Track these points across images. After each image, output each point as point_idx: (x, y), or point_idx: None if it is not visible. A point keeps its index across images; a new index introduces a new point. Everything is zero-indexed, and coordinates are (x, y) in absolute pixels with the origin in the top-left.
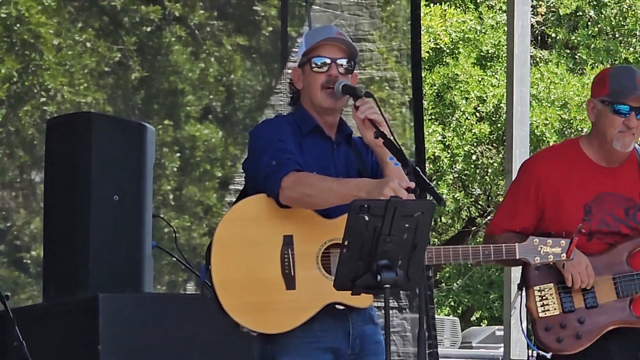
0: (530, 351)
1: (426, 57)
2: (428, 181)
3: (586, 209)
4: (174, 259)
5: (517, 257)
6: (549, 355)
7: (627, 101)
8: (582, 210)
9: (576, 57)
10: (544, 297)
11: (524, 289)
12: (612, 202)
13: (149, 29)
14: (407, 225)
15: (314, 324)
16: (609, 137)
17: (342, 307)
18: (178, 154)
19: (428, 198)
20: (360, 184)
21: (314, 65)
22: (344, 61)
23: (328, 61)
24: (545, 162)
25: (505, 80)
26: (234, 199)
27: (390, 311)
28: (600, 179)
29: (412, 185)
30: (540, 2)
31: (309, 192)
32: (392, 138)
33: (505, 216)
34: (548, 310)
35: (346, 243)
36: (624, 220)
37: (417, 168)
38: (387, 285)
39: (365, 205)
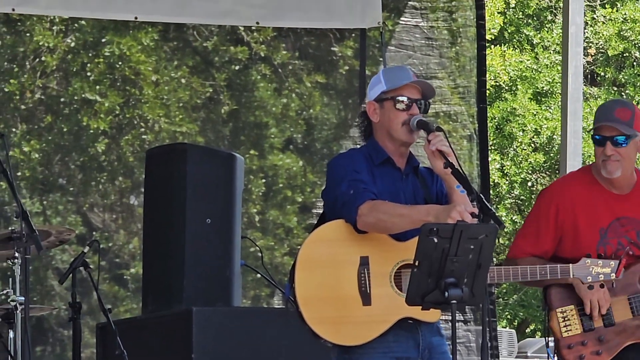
0: None
1: (487, 93)
2: (490, 207)
3: (601, 234)
4: (260, 275)
5: (572, 276)
6: None
7: (600, 132)
8: (598, 235)
9: (623, 94)
10: (566, 318)
11: (547, 310)
12: (626, 225)
13: (237, 67)
14: (472, 247)
15: (387, 335)
16: (599, 166)
17: (412, 321)
18: (263, 181)
19: (491, 222)
20: (429, 210)
21: (398, 104)
22: (422, 102)
23: (410, 102)
24: (563, 189)
25: (559, 115)
26: (314, 222)
27: (457, 324)
28: (613, 204)
29: (476, 210)
30: (590, 44)
31: (383, 218)
32: (459, 167)
33: (527, 241)
34: (570, 330)
35: (417, 263)
36: (637, 242)
37: (481, 195)
38: (454, 301)
39: (435, 229)
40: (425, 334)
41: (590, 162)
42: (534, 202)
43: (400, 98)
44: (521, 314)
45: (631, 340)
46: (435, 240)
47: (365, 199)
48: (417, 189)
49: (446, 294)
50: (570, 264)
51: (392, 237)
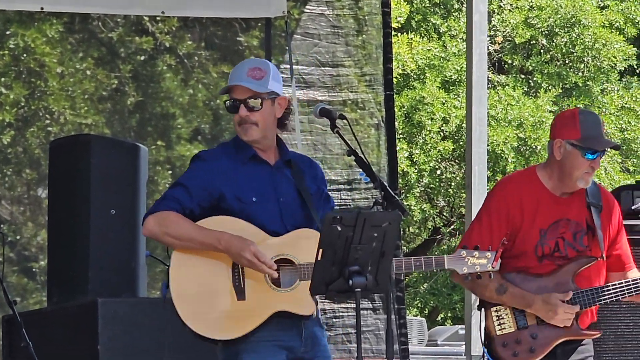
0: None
1: (395, 82)
2: (393, 194)
3: (541, 234)
4: (167, 266)
5: (446, 267)
6: None
7: (597, 147)
8: (538, 235)
9: (530, 81)
10: (500, 317)
11: (482, 309)
12: (564, 227)
13: (142, 58)
14: (375, 235)
15: (271, 324)
16: (575, 176)
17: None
18: (170, 172)
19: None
20: (221, 238)
21: (227, 106)
22: (250, 100)
23: (236, 102)
24: (511, 189)
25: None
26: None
27: (365, 312)
28: (555, 207)
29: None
30: (497, 32)
31: (171, 234)
32: (362, 155)
33: (478, 237)
34: (504, 328)
35: (320, 251)
36: (572, 243)
37: (384, 182)
38: (358, 289)
39: (338, 217)
40: (307, 324)
41: (501, 150)
42: (443, 191)
43: (227, 101)
44: (431, 302)
45: (563, 338)
46: (339, 228)
47: (162, 209)
48: (289, 183)
49: (350, 282)
50: (445, 255)
51: (267, 233)
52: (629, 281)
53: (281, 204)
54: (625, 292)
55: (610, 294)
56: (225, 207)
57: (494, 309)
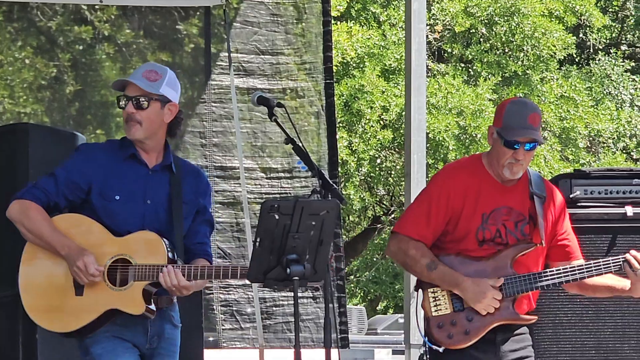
0: (425, 346)
1: (335, 71)
2: (332, 182)
3: (483, 219)
4: None
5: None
6: (441, 349)
7: (516, 137)
8: (480, 219)
9: (470, 70)
10: (436, 298)
11: (420, 290)
12: (506, 215)
13: (81, 47)
14: (313, 223)
15: (116, 321)
16: (501, 164)
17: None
18: None
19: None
20: (64, 245)
21: (117, 101)
22: (139, 98)
23: (124, 100)
24: (454, 175)
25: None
26: None
27: (306, 300)
28: (498, 193)
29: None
30: (437, 21)
31: (26, 224)
32: (300, 144)
33: (414, 220)
34: (440, 310)
35: (258, 239)
36: (513, 231)
37: (321, 170)
38: (296, 278)
39: (276, 205)
40: (155, 321)
41: (442, 138)
42: (383, 180)
43: (119, 96)
44: (373, 290)
45: (498, 321)
46: (277, 216)
47: (28, 197)
48: (163, 187)
49: (288, 270)
50: None
51: (110, 232)
52: (566, 268)
53: (146, 207)
54: (562, 278)
55: (548, 278)
56: (89, 201)
57: (431, 290)
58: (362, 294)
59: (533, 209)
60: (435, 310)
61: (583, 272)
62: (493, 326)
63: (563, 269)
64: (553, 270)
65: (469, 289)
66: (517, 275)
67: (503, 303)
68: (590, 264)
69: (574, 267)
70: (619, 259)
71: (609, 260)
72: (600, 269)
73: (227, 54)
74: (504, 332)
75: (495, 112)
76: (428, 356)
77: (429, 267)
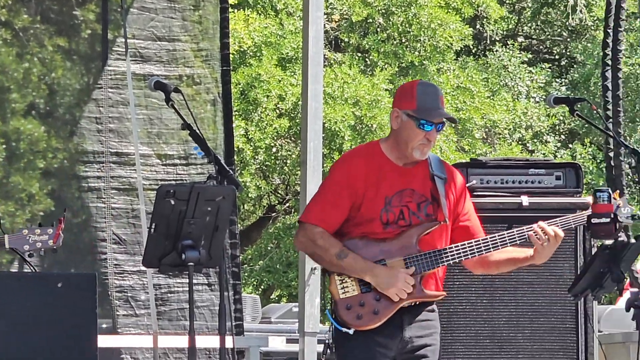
0: (330, 326)
1: (232, 59)
2: (227, 169)
3: (387, 201)
4: None
5: (7, 247)
6: (351, 331)
7: (431, 119)
8: (383, 202)
9: (367, 59)
10: (343, 281)
11: (326, 274)
12: (409, 196)
13: None
14: (209, 209)
15: None
16: (410, 146)
17: None
18: (4, 146)
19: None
20: None
21: None
22: None
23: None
24: (353, 161)
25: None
26: (55, 188)
27: (201, 287)
28: (399, 176)
29: None
30: (335, 10)
31: None
32: (197, 130)
33: (320, 210)
34: (347, 292)
35: (154, 225)
36: (417, 213)
37: (218, 156)
38: (191, 263)
39: (172, 191)
40: None
41: (338, 128)
42: (278, 168)
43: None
44: (267, 279)
45: (407, 300)
46: (172, 202)
47: None
48: None
49: (183, 256)
50: (6, 235)
51: None
52: (471, 242)
53: None
54: (468, 253)
55: (453, 254)
56: None
57: (337, 273)
58: (255, 282)
59: (435, 190)
60: (343, 293)
61: (488, 245)
62: (402, 305)
63: (468, 243)
64: (458, 245)
65: (380, 275)
66: (424, 253)
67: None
68: (495, 237)
69: (478, 240)
70: (523, 230)
71: (513, 233)
72: (505, 241)
73: (123, 40)
74: (410, 317)
75: (401, 94)
76: (334, 343)
77: (338, 257)
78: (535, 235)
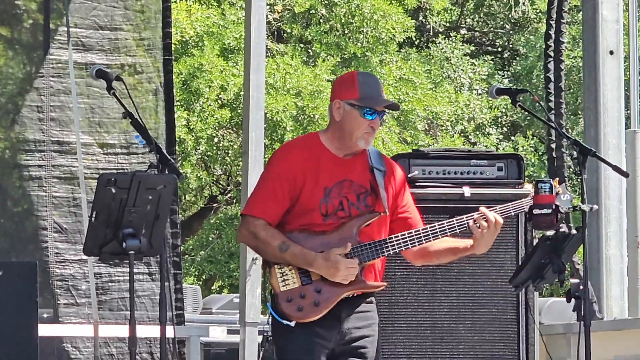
0: (269, 317)
1: (174, 49)
2: (169, 157)
3: (326, 192)
4: None
5: None
6: (292, 324)
7: (375, 107)
8: (322, 192)
9: (309, 50)
10: (284, 274)
11: (267, 267)
12: (348, 188)
13: None
14: (150, 198)
15: None
16: (355, 136)
17: None
18: None
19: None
20: None
21: None
22: None
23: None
24: (292, 152)
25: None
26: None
27: (142, 276)
28: (338, 167)
29: None
30: (277, 1)
31: None
32: (139, 118)
33: (262, 202)
34: (288, 284)
35: (94, 213)
36: (356, 204)
37: (159, 145)
38: (132, 252)
39: (113, 179)
40: None
41: (279, 118)
42: (220, 159)
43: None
44: (208, 270)
45: (347, 291)
46: (113, 190)
47: None
48: None
49: (124, 244)
50: None
51: None
52: (411, 232)
53: None
54: (408, 242)
55: (394, 244)
56: None
57: (278, 266)
58: (197, 273)
59: (374, 181)
60: (284, 285)
61: (428, 235)
62: (343, 296)
63: (408, 233)
64: (398, 236)
65: (322, 265)
66: (363, 244)
67: None
68: (435, 226)
69: (418, 230)
70: (463, 219)
71: (453, 222)
72: (445, 230)
73: (65, 29)
74: (349, 309)
75: (341, 85)
76: (273, 335)
77: (280, 249)
78: (475, 222)
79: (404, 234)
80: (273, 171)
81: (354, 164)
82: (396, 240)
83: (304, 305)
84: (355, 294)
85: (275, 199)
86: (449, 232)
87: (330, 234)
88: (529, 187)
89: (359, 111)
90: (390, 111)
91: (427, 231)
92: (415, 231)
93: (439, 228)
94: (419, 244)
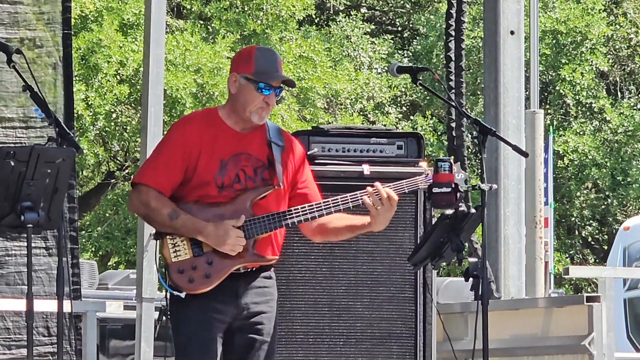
0: (165, 293)
1: (73, 23)
2: (68, 131)
3: (222, 164)
4: None
5: None
6: (183, 295)
7: (270, 82)
8: (218, 165)
9: (209, 27)
10: (176, 245)
11: (159, 239)
12: (245, 161)
13: None
14: (49, 171)
15: None
16: (249, 110)
17: None
18: None
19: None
20: None
21: None
22: None
23: None
24: (189, 126)
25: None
26: None
27: (38, 251)
28: (235, 141)
29: None
30: None
31: None
32: (38, 91)
33: (152, 172)
34: (180, 255)
35: None
36: (253, 177)
37: (58, 118)
38: (30, 225)
39: (12, 152)
40: None
41: (179, 95)
42: (118, 135)
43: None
44: (105, 246)
45: (239, 264)
46: (12, 163)
47: None
48: None
49: (22, 217)
50: None
51: None
52: (304, 206)
53: None
54: (301, 215)
55: (286, 217)
56: None
57: (170, 237)
58: (93, 249)
59: (271, 155)
60: (175, 257)
61: (321, 208)
62: (234, 269)
63: (301, 207)
64: (292, 210)
65: (211, 234)
66: (256, 217)
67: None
68: (328, 201)
69: (312, 204)
70: (357, 194)
71: (346, 197)
72: (338, 204)
73: None
74: (246, 283)
75: (239, 59)
76: (169, 309)
77: (170, 217)
78: (369, 197)
79: (297, 208)
80: (169, 142)
81: (252, 138)
82: (289, 214)
83: (195, 277)
84: (252, 269)
85: (168, 169)
86: (342, 206)
87: (223, 206)
88: (424, 165)
89: (254, 85)
90: (290, 89)
91: (320, 205)
92: (308, 205)
93: (332, 202)
94: (311, 218)
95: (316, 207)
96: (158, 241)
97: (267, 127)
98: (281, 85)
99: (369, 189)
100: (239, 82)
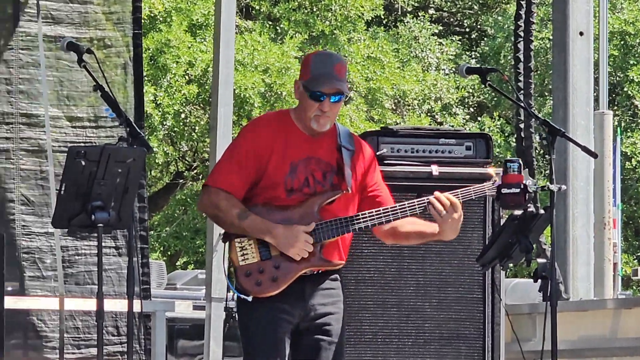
0: (232, 295)
1: (142, 23)
2: (139, 130)
3: (292, 168)
4: None
5: None
6: (249, 298)
7: (322, 89)
8: (289, 167)
9: (277, 28)
10: (243, 248)
11: (227, 242)
12: (314, 165)
13: None
14: (119, 170)
15: None
16: (308, 117)
17: None
18: None
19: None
20: None
21: None
22: None
23: None
24: (262, 128)
25: (213, 46)
26: None
27: (108, 250)
28: (306, 144)
29: None
30: None
31: None
32: (109, 91)
33: (227, 173)
34: (247, 259)
35: (63, 186)
36: (322, 182)
37: (129, 118)
38: (100, 225)
39: (82, 152)
40: None
41: (247, 95)
42: (187, 135)
43: None
44: (173, 246)
45: (306, 268)
46: (83, 163)
47: None
48: None
49: (93, 217)
50: None
51: None
52: (372, 212)
53: None
54: (369, 222)
55: (354, 223)
56: None
57: (238, 240)
58: (162, 249)
59: (341, 160)
60: (243, 260)
61: (388, 215)
62: (300, 273)
63: (369, 212)
64: (359, 215)
65: (280, 235)
66: (324, 221)
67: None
68: (396, 206)
69: (379, 210)
70: (424, 200)
71: (413, 202)
72: (405, 210)
73: (35, 2)
74: (312, 286)
75: (301, 65)
76: (237, 310)
77: (239, 217)
78: (432, 205)
79: (365, 213)
80: (241, 144)
81: (322, 142)
82: (356, 219)
83: (262, 280)
84: (318, 271)
85: (240, 171)
86: (409, 212)
87: (292, 210)
88: (491, 171)
89: (308, 93)
90: (358, 90)
91: (388, 210)
92: (376, 211)
93: (399, 208)
94: (378, 224)
95: (383, 213)
96: (226, 244)
97: (337, 131)
98: (339, 88)
99: (431, 198)
100: (299, 90)
